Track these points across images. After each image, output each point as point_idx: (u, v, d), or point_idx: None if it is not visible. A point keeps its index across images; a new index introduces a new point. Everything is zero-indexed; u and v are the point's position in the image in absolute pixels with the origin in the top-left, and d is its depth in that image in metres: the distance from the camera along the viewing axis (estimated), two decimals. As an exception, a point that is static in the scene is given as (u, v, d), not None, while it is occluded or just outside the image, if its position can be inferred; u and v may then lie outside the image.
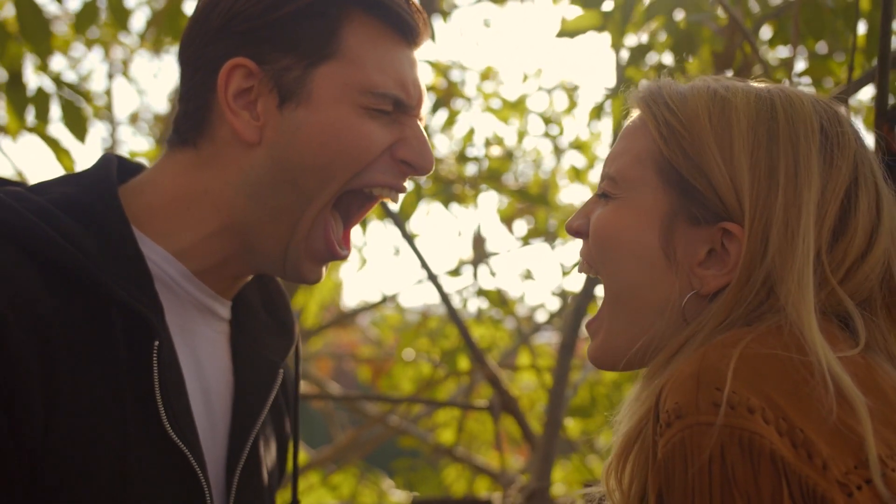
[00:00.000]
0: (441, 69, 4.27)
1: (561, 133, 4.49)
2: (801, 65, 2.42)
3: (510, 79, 7.47)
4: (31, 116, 2.72)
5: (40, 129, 2.75)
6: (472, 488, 4.77)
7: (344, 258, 1.46)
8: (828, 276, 1.19)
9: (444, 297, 3.16)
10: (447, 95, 4.20)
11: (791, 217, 1.19)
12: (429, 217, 7.98)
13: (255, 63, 1.38)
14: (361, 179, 1.41)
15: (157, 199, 1.42)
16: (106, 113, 6.03)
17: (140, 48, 5.49)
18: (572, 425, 4.52)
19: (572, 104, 4.49)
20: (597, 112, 3.05)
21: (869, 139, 1.35)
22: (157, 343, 1.30)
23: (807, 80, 2.34)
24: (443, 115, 4.21)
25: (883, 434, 1.09)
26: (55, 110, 2.70)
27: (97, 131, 6.91)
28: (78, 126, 2.72)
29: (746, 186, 1.20)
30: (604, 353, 1.30)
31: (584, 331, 1.56)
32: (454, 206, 4.26)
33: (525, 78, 4.48)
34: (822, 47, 2.48)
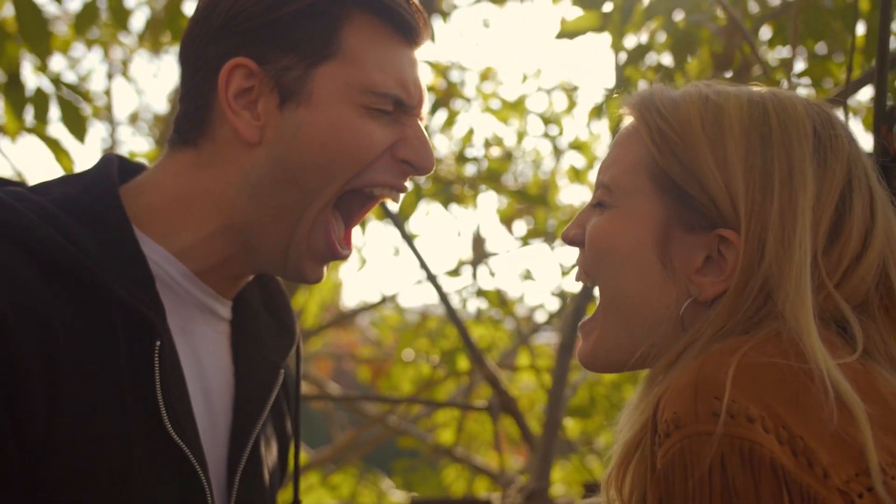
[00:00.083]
0: (440, 69, 4.27)
1: (560, 133, 4.50)
2: (800, 65, 2.42)
3: (509, 79, 7.47)
4: (30, 117, 2.72)
5: (39, 130, 2.74)
6: (471, 488, 4.77)
7: (345, 258, 1.46)
8: (824, 280, 1.18)
9: (444, 298, 3.16)
10: (447, 96, 4.20)
11: (787, 222, 1.18)
12: (428, 217, 7.99)
13: (256, 63, 1.38)
14: (362, 179, 1.41)
15: (158, 199, 1.41)
16: (105, 113, 6.03)
17: (139, 48, 5.49)
18: (571, 426, 4.52)
19: (572, 105, 4.50)
20: (596, 112, 3.05)
21: (868, 140, 1.35)
22: (158, 343, 1.30)
23: (806, 80, 2.34)
24: (442, 115, 4.21)
25: (884, 441, 1.09)
26: (54, 111, 2.70)
27: (97, 131, 6.92)
28: (77, 126, 2.72)
29: (741, 192, 1.19)
30: (594, 356, 1.30)
31: (583, 331, 1.55)
32: (454, 206, 4.26)
33: (524, 78, 4.48)
34: (821, 48, 2.49)
